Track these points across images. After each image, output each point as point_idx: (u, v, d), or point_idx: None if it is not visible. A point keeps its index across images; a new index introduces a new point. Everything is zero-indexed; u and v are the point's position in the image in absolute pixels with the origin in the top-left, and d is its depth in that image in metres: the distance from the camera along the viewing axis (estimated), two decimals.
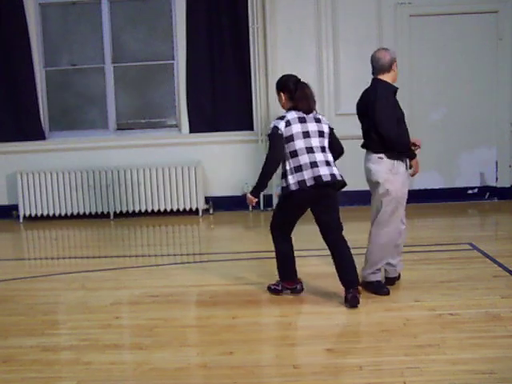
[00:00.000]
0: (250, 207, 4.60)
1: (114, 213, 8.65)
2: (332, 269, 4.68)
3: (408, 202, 4.84)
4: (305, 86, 4.62)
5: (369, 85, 4.80)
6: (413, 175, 4.87)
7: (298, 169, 4.46)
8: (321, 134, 4.58)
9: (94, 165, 8.63)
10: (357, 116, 4.90)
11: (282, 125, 4.50)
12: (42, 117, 8.90)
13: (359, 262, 4.65)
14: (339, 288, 4.68)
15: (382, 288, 4.72)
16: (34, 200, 8.65)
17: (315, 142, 4.53)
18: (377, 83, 4.70)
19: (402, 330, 4.02)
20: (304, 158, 4.47)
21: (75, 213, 8.65)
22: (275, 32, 8.56)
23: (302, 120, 4.54)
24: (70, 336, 4.26)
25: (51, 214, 8.66)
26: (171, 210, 8.62)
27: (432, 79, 8.58)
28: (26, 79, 8.76)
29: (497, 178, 8.72)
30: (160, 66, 8.92)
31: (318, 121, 4.61)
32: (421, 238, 6.59)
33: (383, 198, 4.65)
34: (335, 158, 4.67)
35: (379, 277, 4.76)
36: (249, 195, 4.66)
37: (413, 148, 4.76)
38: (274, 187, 4.64)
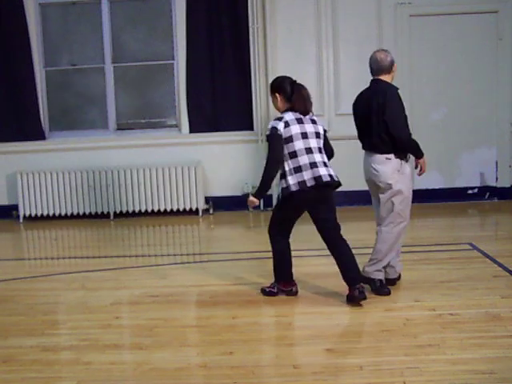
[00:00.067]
0: (249, 207, 4.58)
1: (114, 213, 8.65)
2: (332, 269, 4.68)
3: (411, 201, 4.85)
4: (301, 87, 4.63)
5: (368, 85, 4.81)
6: (420, 174, 4.88)
7: (298, 169, 4.47)
8: (317, 135, 4.61)
9: (94, 165, 8.63)
10: (355, 117, 4.89)
11: (280, 126, 4.50)
12: (42, 117, 8.90)
13: (361, 262, 4.65)
14: (339, 288, 4.68)
15: (383, 288, 4.72)
16: (34, 200, 8.65)
17: (313, 142, 4.56)
18: (381, 84, 4.69)
19: (402, 330, 4.02)
20: (303, 159, 4.48)
21: (75, 213, 8.65)
22: (275, 32, 8.56)
23: (299, 121, 4.55)
24: (69, 336, 4.26)
25: (51, 213, 8.66)
26: (171, 210, 8.62)
27: (432, 79, 8.58)
28: (26, 79, 8.76)
29: (497, 178, 8.73)
30: (160, 66, 8.92)
31: (313, 122, 4.64)
32: (421, 237, 6.59)
33: (395, 198, 4.66)
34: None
35: (382, 276, 4.76)
36: (251, 198, 4.64)
37: None
38: (275, 188, 4.64)
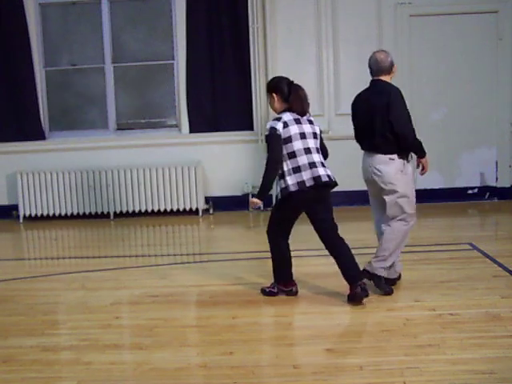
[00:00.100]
0: (250, 207, 4.58)
1: (114, 213, 8.65)
2: (331, 268, 4.68)
3: None
4: (298, 87, 4.63)
5: (367, 85, 4.81)
6: (422, 174, 4.88)
7: (297, 170, 4.48)
8: (314, 135, 4.64)
9: (94, 165, 8.63)
10: (353, 118, 4.89)
11: (279, 126, 4.50)
12: (42, 117, 8.90)
13: (361, 262, 4.65)
14: (339, 288, 4.68)
15: (387, 286, 4.72)
16: (34, 200, 8.65)
17: (311, 143, 4.58)
18: (382, 84, 4.69)
19: (402, 330, 4.02)
20: (302, 159, 4.49)
21: (75, 213, 8.64)
22: (275, 32, 8.56)
23: (297, 121, 4.57)
24: (70, 336, 4.26)
25: (51, 213, 8.66)
26: (171, 210, 8.62)
27: (432, 79, 8.58)
28: (26, 79, 8.76)
29: (497, 178, 8.73)
30: (160, 66, 8.92)
31: (310, 122, 4.66)
32: (421, 238, 6.59)
33: (401, 201, 4.66)
34: None
35: (386, 275, 4.76)
36: (253, 199, 4.62)
37: None
38: (274, 188, 4.64)
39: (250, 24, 8.51)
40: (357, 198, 8.03)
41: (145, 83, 8.99)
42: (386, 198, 4.68)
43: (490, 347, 3.68)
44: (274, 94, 4.64)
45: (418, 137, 4.73)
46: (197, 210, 8.64)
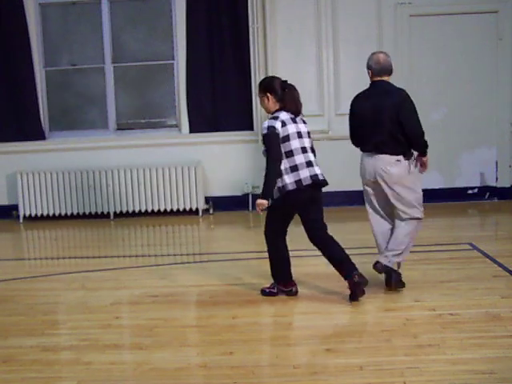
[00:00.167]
0: (258, 209, 4.56)
1: (114, 213, 8.65)
2: (331, 269, 4.67)
3: None
4: (292, 87, 4.65)
5: (367, 86, 4.81)
6: (422, 172, 4.88)
7: (294, 168, 4.50)
8: (308, 135, 4.68)
9: (94, 165, 8.63)
10: (352, 118, 4.88)
11: (278, 125, 4.51)
12: (42, 117, 8.90)
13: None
14: (339, 288, 4.68)
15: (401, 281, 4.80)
16: (34, 200, 8.65)
17: (307, 142, 4.63)
18: (387, 84, 4.70)
19: (402, 330, 4.02)
20: (299, 158, 4.52)
21: (75, 213, 8.64)
22: (275, 32, 8.56)
23: (293, 121, 4.60)
24: (70, 336, 4.27)
25: (51, 213, 8.66)
26: (171, 210, 8.62)
27: (432, 79, 8.57)
28: (26, 79, 8.76)
29: (497, 178, 8.72)
30: (160, 66, 8.92)
31: (304, 122, 4.70)
32: (421, 238, 6.53)
33: (412, 198, 4.70)
34: None
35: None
36: (260, 200, 4.55)
37: None
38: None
39: (250, 24, 8.50)
40: (357, 198, 7.96)
41: (145, 83, 8.99)
42: (399, 198, 4.69)
43: (489, 347, 3.68)
44: (269, 94, 4.64)
45: None
46: (197, 210, 8.64)
